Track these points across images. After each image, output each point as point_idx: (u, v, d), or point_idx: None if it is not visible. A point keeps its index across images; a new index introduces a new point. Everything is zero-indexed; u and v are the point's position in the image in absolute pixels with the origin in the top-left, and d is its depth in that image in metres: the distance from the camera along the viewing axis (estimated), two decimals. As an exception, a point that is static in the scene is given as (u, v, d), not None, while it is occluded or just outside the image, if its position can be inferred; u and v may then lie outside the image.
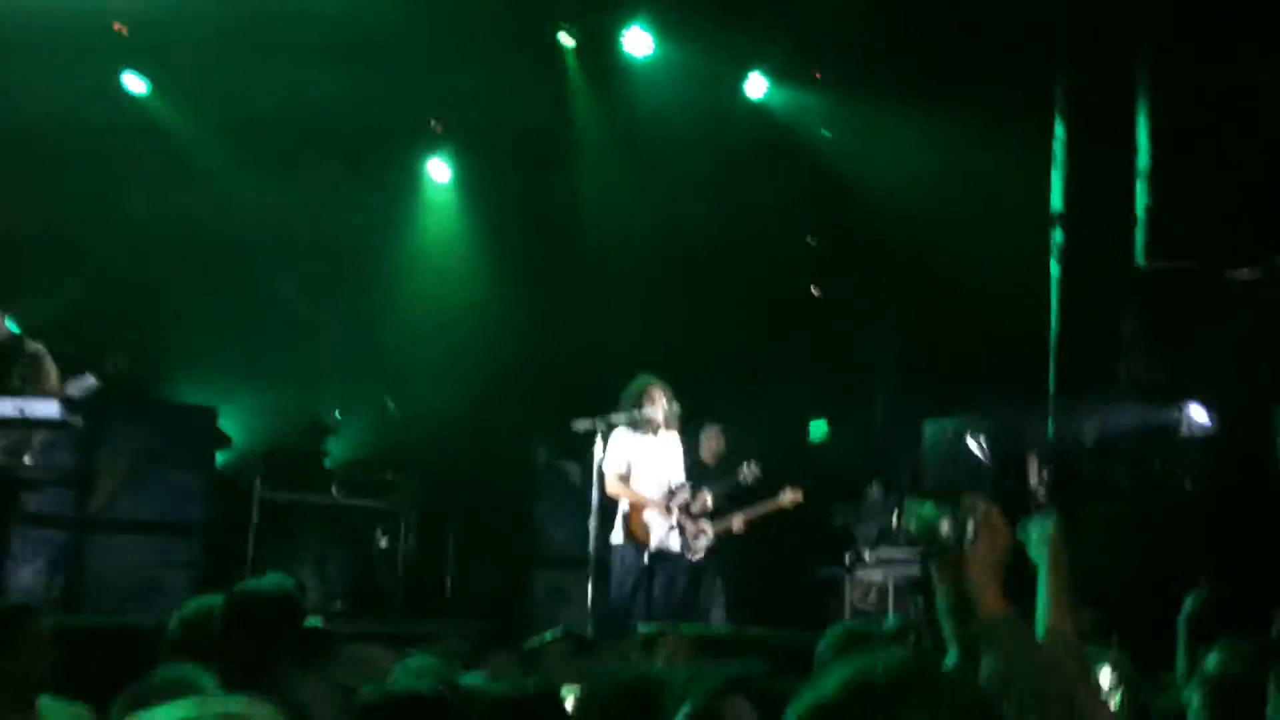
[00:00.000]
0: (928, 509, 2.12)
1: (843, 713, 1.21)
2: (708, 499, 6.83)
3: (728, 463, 7.62)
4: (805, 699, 1.24)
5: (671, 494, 6.64)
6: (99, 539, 7.00)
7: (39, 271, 8.16)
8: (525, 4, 8.74)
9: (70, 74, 8.19)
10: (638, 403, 6.49)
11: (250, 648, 3.03)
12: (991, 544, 2.02)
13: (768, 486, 7.48)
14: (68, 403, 5.25)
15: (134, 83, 8.81)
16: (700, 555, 7.26)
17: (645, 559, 6.52)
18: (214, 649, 3.18)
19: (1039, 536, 2.23)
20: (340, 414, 9.57)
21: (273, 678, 3.05)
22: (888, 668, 1.24)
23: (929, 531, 2.07)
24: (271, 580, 3.27)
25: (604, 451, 6.41)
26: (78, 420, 5.40)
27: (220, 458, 8.34)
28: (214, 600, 3.47)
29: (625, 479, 6.58)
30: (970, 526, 2.00)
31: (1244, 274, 6.87)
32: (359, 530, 8.24)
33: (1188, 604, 3.37)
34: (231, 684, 2.91)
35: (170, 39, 8.53)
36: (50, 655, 3.31)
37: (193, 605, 3.49)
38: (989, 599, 1.99)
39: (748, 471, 7.14)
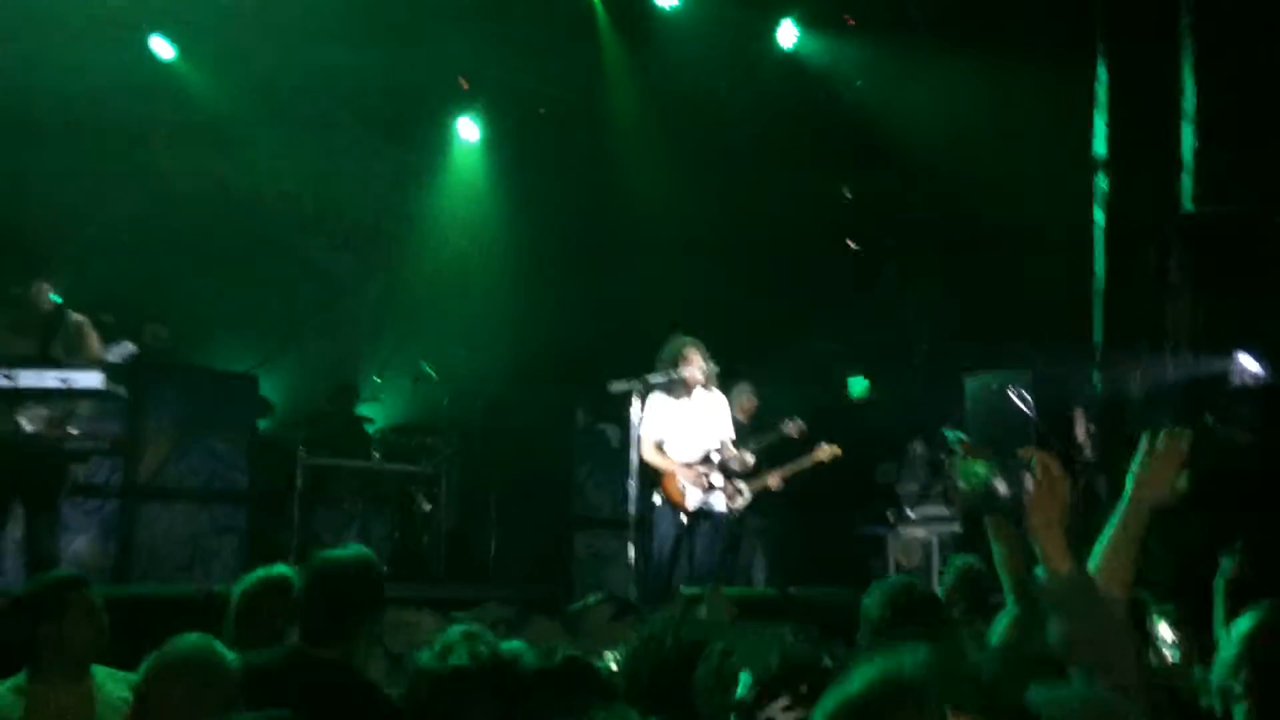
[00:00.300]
0: (980, 466, 2.07)
1: (871, 710, 1.20)
2: (748, 457, 6.78)
3: (762, 421, 7.58)
4: (833, 697, 1.24)
5: (709, 455, 6.60)
6: (148, 507, 7.10)
7: (76, 242, 8.21)
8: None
9: (99, 38, 8.19)
10: (674, 363, 6.44)
11: (332, 618, 3.06)
12: (1053, 496, 1.97)
13: (808, 443, 7.43)
14: (110, 370, 5.29)
15: (162, 47, 8.79)
16: (737, 514, 7.24)
17: (685, 520, 6.51)
18: (284, 619, 3.21)
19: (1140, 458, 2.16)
20: (380, 378, 9.64)
21: (352, 648, 3.08)
22: (915, 663, 1.24)
23: (984, 489, 2.02)
24: (353, 551, 3.29)
25: (641, 413, 6.38)
26: (121, 390, 5.44)
27: (262, 425, 8.42)
28: (274, 570, 3.51)
29: (660, 445, 6.55)
30: (1029, 481, 1.96)
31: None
32: (401, 495, 8.30)
33: (1224, 565, 3.30)
34: (312, 647, 2.96)
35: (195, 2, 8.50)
36: (102, 624, 3.35)
37: (255, 576, 3.52)
38: (1054, 554, 1.94)
39: (791, 426, 7.10)
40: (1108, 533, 2.16)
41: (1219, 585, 3.21)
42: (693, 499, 6.52)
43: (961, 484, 2.10)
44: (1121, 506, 2.16)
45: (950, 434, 9.32)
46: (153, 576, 6.88)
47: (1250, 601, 2.74)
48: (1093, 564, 2.13)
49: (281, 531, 7.54)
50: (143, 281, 8.68)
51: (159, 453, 7.21)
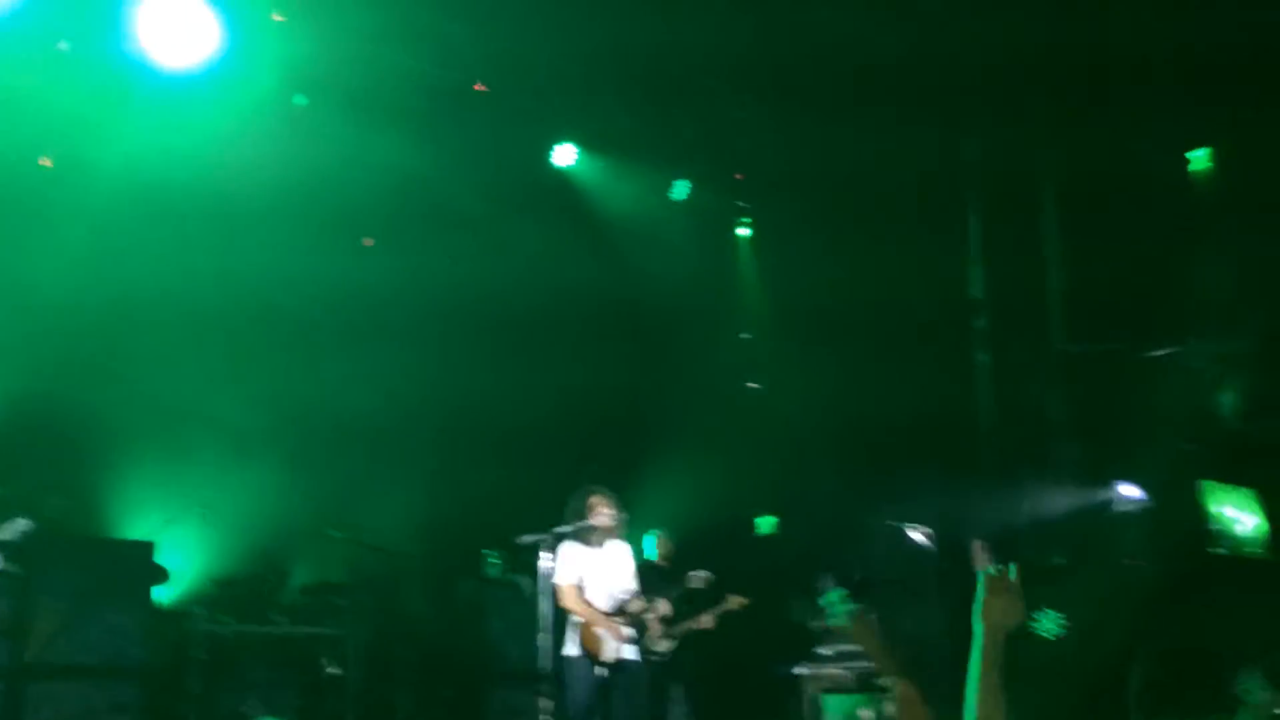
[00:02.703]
0: (858, 700, 2.24)
1: None
2: (665, 606, 6.82)
3: (678, 566, 7.65)
4: None
5: (624, 604, 6.61)
6: (37, 687, 6.77)
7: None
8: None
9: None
10: (583, 513, 6.50)
11: None
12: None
13: (717, 588, 7.52)
14: (2, 548, 5.14)
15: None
16: (662, 659, 7.25)
17: (600, 671, 6.46)
18: None
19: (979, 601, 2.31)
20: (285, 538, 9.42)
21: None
22: None
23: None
24: None
25: (553, 564, 6.38)
26: (12, 567, 5.28)
27: (160, 593, 8.15)
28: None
29: (579, 590, 6.55)
30: (891, 708, 2.11)
31: (1160, 353, 7.14)
32: (307, 658, 8.05)
33: (1133, 680, 3.43)
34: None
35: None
36: None
37: None
38: None
39: (697, 578, 7.16)
40: (974, 673, 2.29)
41: (1132, 702, 3.33)
42: (609, 650, 6.48)
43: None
44: (977, 645, 2.31)
45: (762, 520, 9.53)
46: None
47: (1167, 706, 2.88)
48: (969, 702, 2.25)
49: (181, 704, 7.24)
50: (37, 445, 8.44)
51: (48, 629, 6.92)
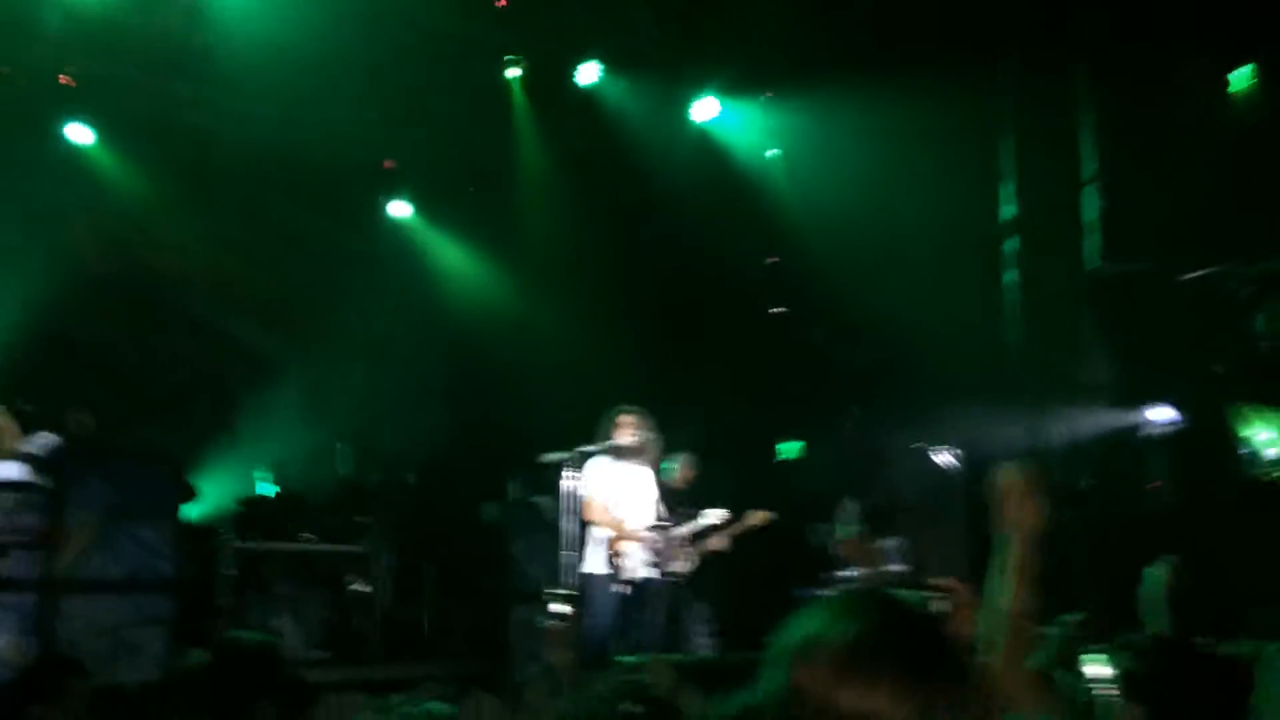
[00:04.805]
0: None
1: None
2: (684, 528, 6.83)
3: (699, 490, 7.64)
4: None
5: (652, 524, 6.63)
6: (70, 600, 6.88)
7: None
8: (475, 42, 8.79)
9: (10, 121, 8.15)
10: (613, 432, 6.50)
11: (235, 702, 3.06)
12: (963, 624, 2.10)
13: (733, 523, 7.50)
14: (31, 461, 5.19)
15: (81, 133, 8.75)
16: (683, 580, 7.29)
17: (623, 588, 6.51)
18: (203, 704, 3.21)
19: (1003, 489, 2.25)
20: (309, 459, 9.52)
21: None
22: (769, 695, 1.38)
23: None
24: (251, 634, 3.32)
25: (580, 481, 6.39)
26: (44, 480, 5.33)
27: (189, 509, 8.25)
28: (200, 659, 3.52)
29: (606, 506, 6.56)
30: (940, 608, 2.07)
31: (1195, 275, 7.01)
32: (334, 576, 8.17)
33: (1154, 576, 3.40)
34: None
35: (117, 91, 8.50)
36: (86, 710, 3.39)
37: (180, 663, 3.57)
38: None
39: (713, 515, 7.12)
40: (996, 571, 2.24)
41: (1155, 595, 3.31)
42: (633, 566, 6.53)
43: None
44: (999, 548, 2.24)
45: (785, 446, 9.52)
46: (76, 672, 6.65)
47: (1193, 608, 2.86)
48: (987, 596, 2.21)
49: (210, 619, 7.37)
50: (66, 366, 8.52)
51: (81, 543, 7.02)
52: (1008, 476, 2.24)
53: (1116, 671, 2.87)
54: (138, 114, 8.73)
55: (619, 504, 6.61)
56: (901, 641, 1.35)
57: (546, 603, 5.89)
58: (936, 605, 2.09)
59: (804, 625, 1.39)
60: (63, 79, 8.31)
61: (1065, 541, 6.01)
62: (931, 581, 2.12)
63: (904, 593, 1.96)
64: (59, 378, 8.38)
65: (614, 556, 6.51)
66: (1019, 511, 2.21)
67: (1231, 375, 6.88)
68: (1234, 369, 6.91)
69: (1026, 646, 2.14)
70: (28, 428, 5.47)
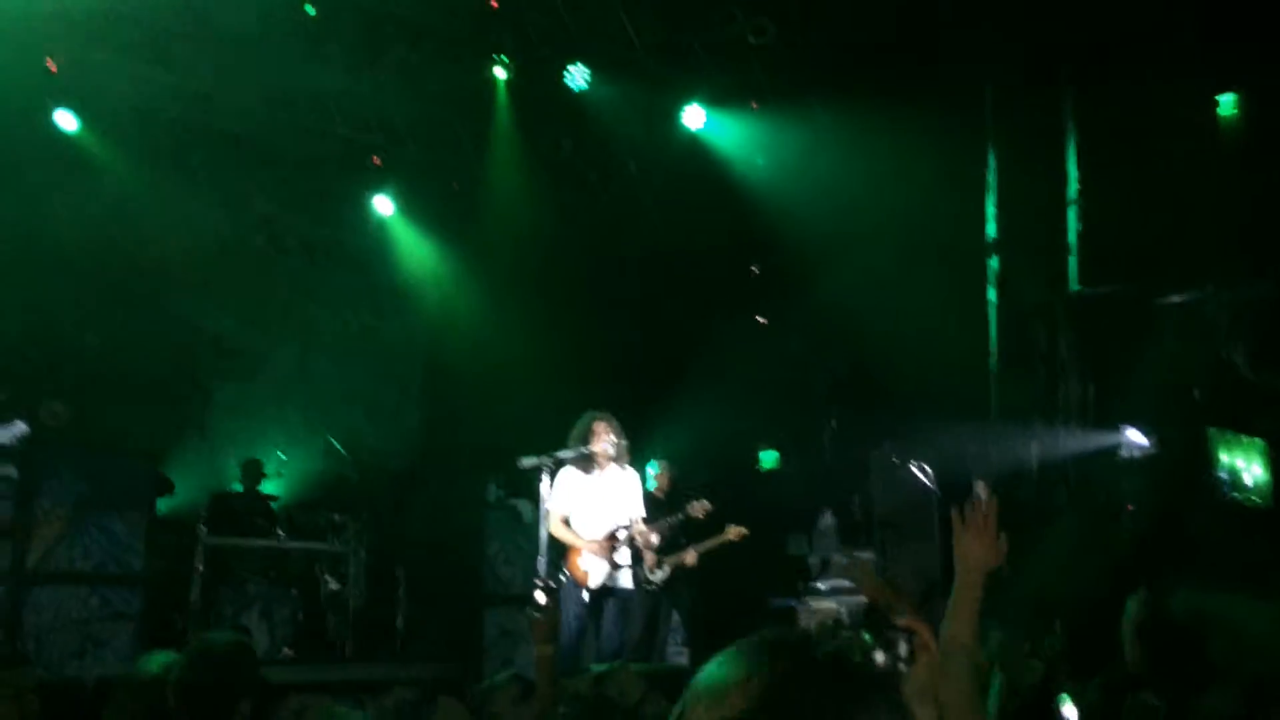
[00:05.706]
0: (866, 638, 2.19)
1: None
2: (654, 537, 6.80)
3: (677, 496, 7.63)
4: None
5: (615, 532, 6.59)
6: (38, 592, 6.82)
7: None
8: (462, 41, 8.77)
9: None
10: (585, 439, 6.46)
11: (207, 703, 3.00)
12: (926, 667, 2.11)
13: (717, 520, 7.50)
14: (-1, 451, 5.13)
15: (66, 120, 8.67)
16: (657, 588, 7.28)
17: (588, 598, 6.46)
18: (171, 705, 3.15)
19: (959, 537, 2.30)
20: (284, 455, 9.43)
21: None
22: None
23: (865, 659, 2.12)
24: (225, 634, 3.25)
25: (550, 488, 6.35)
26: (10, 470, 5.27)
27: (162, 504, 8.18)
28: (166, 659, 3.43)
29: (567, 520, 6.53)
30: (904, 650, 2.07)
31: (1174, 299, 7.05)
32: (307, 574, 8.10)
33: (1128, 609, 3.41)
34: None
35: (102, 76, 8.43)
36: (32, 708, 3.30)
37: (146, 663, 3.47)
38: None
39: (696, 506, 7.13)
40: (952, 602, 2.29)
41: (1126, 627, 3.33)
42: (596, 577, 6.47)
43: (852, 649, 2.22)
44: (957, 582, 2.30)
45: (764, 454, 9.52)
46: (41, 664, 6.57)
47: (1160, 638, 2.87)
48: (943, 631, 2.25)
49: (179, 615, 7.30)
50: (39, 356, 8.43)
51: (50, 534, 6.94)
52: (970, 510, 2.29)
53: (1079, 711, 2.90)
54: (122, 102, 8.65)
55: (584, 514, 6.58)
56: (804, 694, 1.28)
57: (530, 594, 5.83)
58: (886, 654, 2.10)
59: (711, 670, 1.34)
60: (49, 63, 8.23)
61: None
62: (898, 621, 2.13)
63: (844, 638, 1.98)
64: (34, 367, 8.29)
65: (574, 567, 6.47)
66: (975, 544, 2.26)
67: (1209, 400, 6.92)
68: (1211, 394, 6.95)
69: (970, 679, 2.17)
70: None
